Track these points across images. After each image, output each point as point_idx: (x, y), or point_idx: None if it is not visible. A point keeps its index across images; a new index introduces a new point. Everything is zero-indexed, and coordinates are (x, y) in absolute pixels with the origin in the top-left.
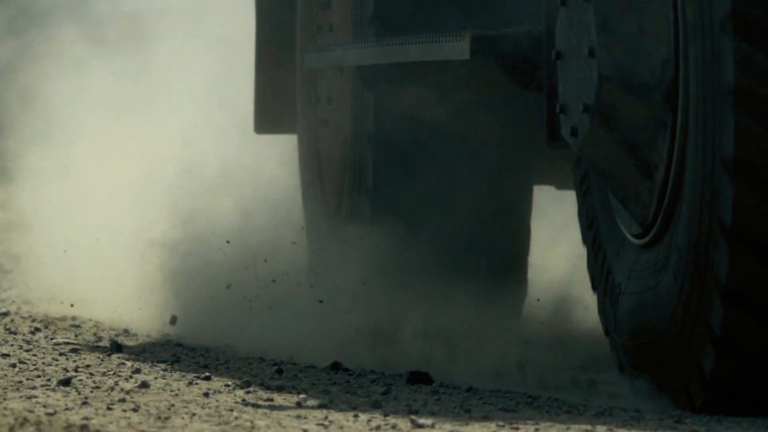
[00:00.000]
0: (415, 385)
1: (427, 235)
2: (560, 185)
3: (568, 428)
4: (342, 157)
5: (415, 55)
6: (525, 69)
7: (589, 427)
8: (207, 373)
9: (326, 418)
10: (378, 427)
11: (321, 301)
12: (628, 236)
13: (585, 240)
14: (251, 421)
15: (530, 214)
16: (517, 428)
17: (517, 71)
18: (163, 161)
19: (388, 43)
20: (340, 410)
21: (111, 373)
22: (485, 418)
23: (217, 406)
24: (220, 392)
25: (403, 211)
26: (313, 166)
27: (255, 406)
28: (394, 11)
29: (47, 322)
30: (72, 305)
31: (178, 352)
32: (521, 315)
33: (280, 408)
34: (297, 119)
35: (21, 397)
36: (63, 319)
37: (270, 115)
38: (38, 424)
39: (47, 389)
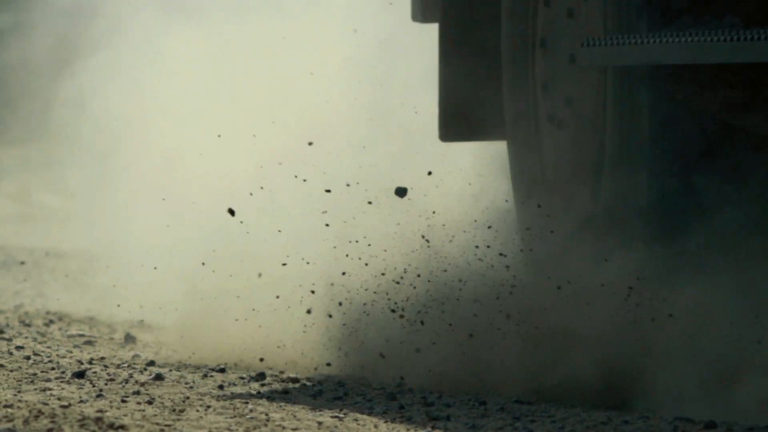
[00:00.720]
0: None
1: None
2: None
3: (583, 420)
4: (587, 168)
5: None
6: None
7: (605, 419)
8: (222, 366)
9: (341, 410)
10: (393, 420)
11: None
12: None
13: None
14: (266, 414)
15: None
16: (533, 420)
17: None
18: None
19: (751, 36)
20: (355, 403)
21: (125, 365)
22: (501, 410)
23: (231, 399)
24: (234, 384)
25: (695, 241)
26: (535, 170)
27: (270, 398)
28: None
29: (61, 314)
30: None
31: (192, 344)
32: None
33: (295, 400)
34: (507, 119)
35: (35, 389)
36: (77, 310)
37: (460, 120)
38: (53, 416)
39: (61, 381)
